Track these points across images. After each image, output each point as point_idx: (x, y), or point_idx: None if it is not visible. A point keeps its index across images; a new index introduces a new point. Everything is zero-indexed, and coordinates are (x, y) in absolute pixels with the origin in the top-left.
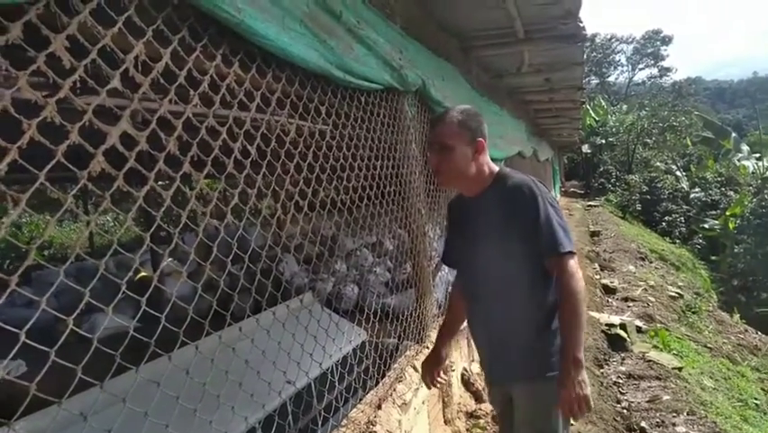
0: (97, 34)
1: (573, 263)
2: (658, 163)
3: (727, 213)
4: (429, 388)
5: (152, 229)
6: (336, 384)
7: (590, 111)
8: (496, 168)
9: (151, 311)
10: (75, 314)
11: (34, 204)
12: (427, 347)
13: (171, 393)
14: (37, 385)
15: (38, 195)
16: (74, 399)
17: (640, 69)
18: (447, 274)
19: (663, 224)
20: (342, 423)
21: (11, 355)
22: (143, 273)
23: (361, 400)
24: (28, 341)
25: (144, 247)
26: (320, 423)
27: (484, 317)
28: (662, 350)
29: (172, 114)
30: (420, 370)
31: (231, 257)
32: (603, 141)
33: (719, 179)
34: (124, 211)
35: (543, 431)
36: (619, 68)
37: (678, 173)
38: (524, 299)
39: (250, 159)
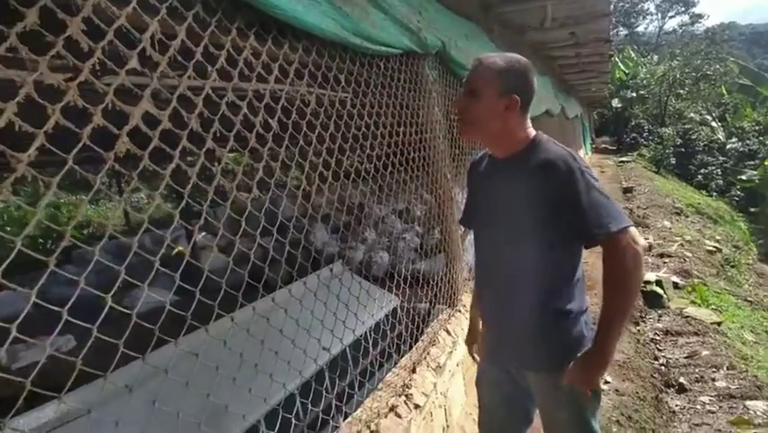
0: (112, 15)
1: (628, 241)
2: (692, 114)
3: (766, 162)
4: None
5: (181, 206)
6: (370, 350)
7: (620, 64)
8: (533, 133)
9: (186, 285)
10: (113, 291)
11: (67, 185)
12: (459, 310)
13: (210, 363)
14: (85, 359)
15: (69, 177)
16: (119, 372)
17: (670, 17)
18: None
19: (699, 177)
20: (378, 387)
21: (56, 332)
22: (179, 249)
23: (395, 364)
24: (70, 318)
25: (175, 223)
26: (356, 387)
27: (494, 295)
28: (699, 305)
29: (192, 90)
30: (466, 347)
31: (260, 229)
32: (634, 94)
33: (757, 127)
34: (156, 188)
35: (574, 416)
36: (648, 17)
37: (713, 124)
38: (541, 282)
39: (271, 131)
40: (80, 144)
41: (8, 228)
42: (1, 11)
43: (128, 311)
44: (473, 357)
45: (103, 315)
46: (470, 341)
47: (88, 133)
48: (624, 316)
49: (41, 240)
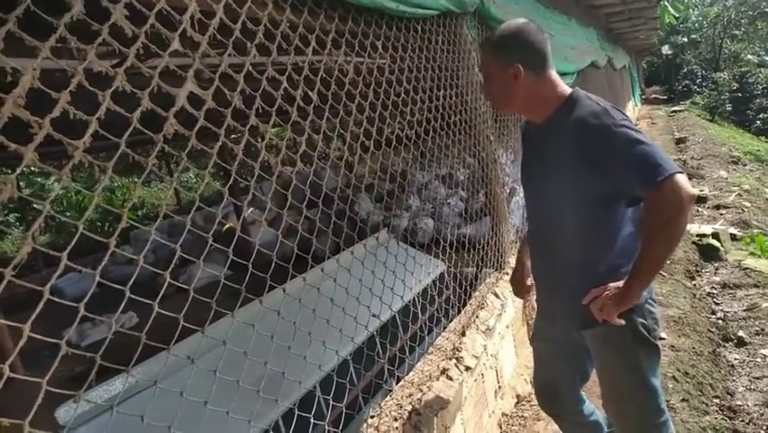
0: None
1: (672, 189)
2: (749, 56)
3: None
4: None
5: (230, 182)
6: (419, 315)
7: (669, 7)
8: (567, 91)
9: (239, 260)
10: (170, 268)
11: (120, 168)
12: (507, 273)
13: (266, 333)
14: (148, 334)
15: (122, 161)
16: (180, 344)
17: None
18: (522, 199)
19: (758, 122)
20: (429, 351)
21: (120, 309)
22: (229, 225)
23: (444, 328)
24: (133, 296)
25: (225, 200)
26: (407, 352)
27: (544, 256)
28: (759, 256)
29: (232, 68)
30: (511, 286)
31: (305, 202)
32: (685, 39)
33: None
34: (204, 167)
35: (629, 364)
36: None
37: None
38: (588, 242)
39: (312, 104)
40: (131, 128)
41: (68, 213)
42: (50, 2)
43: (185, 286)
44: (518, 295)
45: (162, 291)
46: (515, 281)
47: (138, 117)
48: (654, 266)
49: (98, 223)
